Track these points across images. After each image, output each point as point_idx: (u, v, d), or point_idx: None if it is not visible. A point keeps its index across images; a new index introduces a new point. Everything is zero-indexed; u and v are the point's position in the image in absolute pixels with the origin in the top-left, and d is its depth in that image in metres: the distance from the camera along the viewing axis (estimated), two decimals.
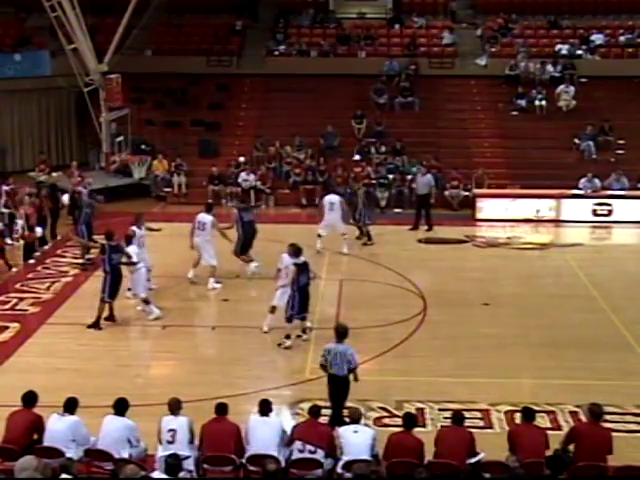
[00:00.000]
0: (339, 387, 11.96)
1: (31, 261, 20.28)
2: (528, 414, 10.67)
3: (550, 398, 13.13)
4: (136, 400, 11.13)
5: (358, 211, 21.75)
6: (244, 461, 10.25)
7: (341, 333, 12.16)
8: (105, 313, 16.20)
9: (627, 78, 30.26)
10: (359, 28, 33.11)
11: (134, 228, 17.35)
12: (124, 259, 16.11)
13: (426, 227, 23.39)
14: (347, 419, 11.09)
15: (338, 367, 11.89)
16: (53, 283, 18.75)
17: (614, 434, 10.63)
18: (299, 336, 15.26)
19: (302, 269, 14.88)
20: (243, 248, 18.64)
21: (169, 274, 18.68)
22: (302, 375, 14.06)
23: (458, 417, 10.64)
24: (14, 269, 19.72)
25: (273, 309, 15.56)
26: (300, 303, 14.88)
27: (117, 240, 16.41)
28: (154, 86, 30.67)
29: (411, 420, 10.63)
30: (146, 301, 16.44)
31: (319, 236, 20.97)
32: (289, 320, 14.97)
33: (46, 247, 21.31)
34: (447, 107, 30.38)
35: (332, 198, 21.14)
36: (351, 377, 12.00)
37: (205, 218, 18.24)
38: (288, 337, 15.00)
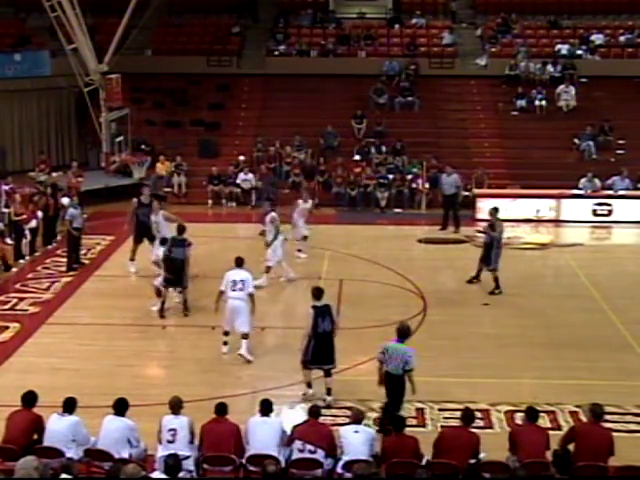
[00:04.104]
0: (393, 386, 11.87)
1: (21, 261, 20.28)
2: (531, 414, 10.66)
3: (550, 398, 13.13)
4: (136, 400, 11.13)
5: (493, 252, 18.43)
6: (244, 461, 10.25)
7: (402, 332, 12.04)
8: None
9: (627, 78, 30.28)
10: (359, 28, 33.12)
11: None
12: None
13: (453, 228, 23.35)
14: (349, 419, 11.08)
15: (394, 366, 11.78)
16: (53, 283, 18.75)
17: (614, 434, 10.62)
18: (309, 385, 13.23)
19: (321, 313, 12.87)
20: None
21: None
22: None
23: (468, 416, 10.62)
24: (14, 269, 19.73)
25: (226, 332, 14.82)
26: (315, 350, 12.83)
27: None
28: (154, 86, 30.67)
29: (399, 422, 10.59)
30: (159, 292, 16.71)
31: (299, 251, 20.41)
32: (304, 366, 13.06)
33: (49, 247, 21.34)
34: (447, 107, 30.41)
35: (275, 216, 18.80)
36: (409, 384, 11.83)
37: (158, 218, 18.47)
38: (309, 385, 13.20)
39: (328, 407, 12.80)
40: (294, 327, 15.56)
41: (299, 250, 20.63)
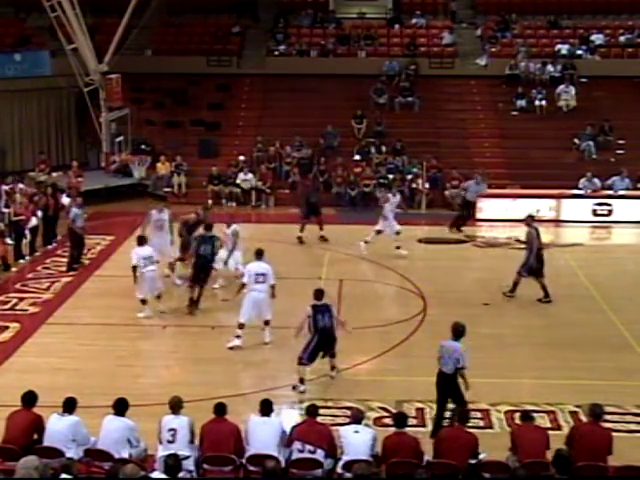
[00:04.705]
0: (445, 385, 11.98)
1: (21, 261, 20.27)
2: (525, 416, 10.82)
3: (550, 398, 13.13)
4: (136, 400, 11.13)
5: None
6: (244, 461, 10.24)
7: (455, 331, 12.16)
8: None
9: (627, 78, 30.29)
10: (359, 28, 33.12)
11: (153, 212, 18.33)
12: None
13: (455, 229, 23.33)
14: (348, 419, 11.09)
15: (446, 364, 11.93)
16: (53, 283, 18.74)
17: (614, 434, 10.63)
18: (301, 380, 13.57)
19: (320, 311, 13.54)
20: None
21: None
22: (302, 375, 14.03)
23: (463, 416, 10.64)
24: (13, 269, 19.72)
25: (241, 325, 15.18)
26: (315, 348, 13.44)
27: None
28: (154, 86, 30.68)
29: (402, 419, 10.63)
30: (143, 301, 16.53)
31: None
32: (299, 362, 13.48)
33: (50, 247, 21.35)
34: (447, 107, 30.41)
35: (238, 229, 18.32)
36: (461, 380, 11.94)
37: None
38: (302, 381, 13.52)
39: (331, 378, 13.74)
40: (294, 327, 15.60)
41: (398, 247, 20.69)
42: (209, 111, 30.42)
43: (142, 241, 16.75)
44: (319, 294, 13.86)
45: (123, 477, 8.73)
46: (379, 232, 20.74)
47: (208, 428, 10.31)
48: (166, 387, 12.77)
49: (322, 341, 13.48)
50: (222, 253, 17.63)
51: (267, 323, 15.27)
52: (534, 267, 17.66)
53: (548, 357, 14.90)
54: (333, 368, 13.91)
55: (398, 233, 20.74)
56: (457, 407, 11.70)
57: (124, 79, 28.13)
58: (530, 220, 18.14)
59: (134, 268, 16.29)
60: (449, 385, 11.95)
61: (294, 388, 13.47)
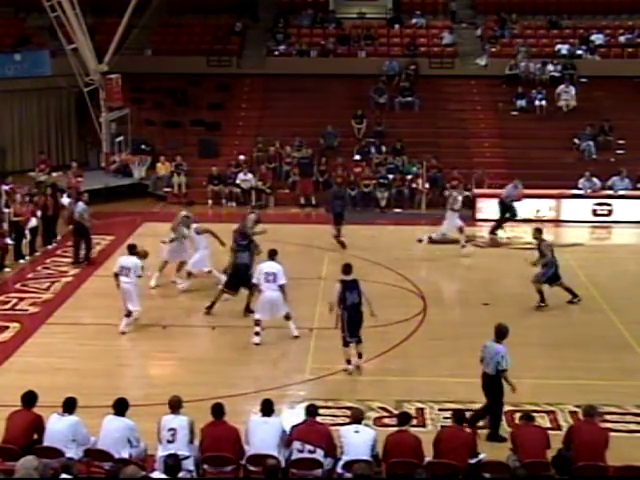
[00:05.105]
0: (487, 385, 12.02)
1: (21, 261, 20.25)
2: (525, 416, 10.87)
3: (550, 398, 13.14)
4: (136, 400, 11.13)
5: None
6: (244, 462, 10.23)
7: (498, 332, 12.17)
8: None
9: (627, 78, 30.28)
10: (359, 28, 33.12)
11: (184, 212, 18.50)
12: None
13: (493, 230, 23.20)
14: (349, 419, 11.09)
15: (487, 365, 11.97)
16: (53, 283, 18.75)
17: (614, 434, 10.65)
18: (348, 362, 14.03)
19: (349, 287, 13.86)
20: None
21: (168, 274, 18.69)
22: (302, 375, 14.06)
23: (460, 416, 10.67)
24: (7, 269, 19.69)
25: (258, 322, 15.27)
26: (350, 323, 13.79)
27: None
28: (154, 86, 30.67)
29: (405, 418, 10.65)
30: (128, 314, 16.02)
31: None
32: (346, 345, 13.92)
33: (49, 247, 21.36)
34: (447, 107, 30.40)
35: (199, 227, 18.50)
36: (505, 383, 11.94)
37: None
38: (349, 362, 13.99)
39: (357, 368, 13.93)
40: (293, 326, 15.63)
41: (420, 241, 21.20)
42: (209, 111, 30.41)
43: (132, 250, 16.14)
44: (347, 268, 14.03)
45: (123, 477, 8.74)
46: (461, 230, 21.29)
47: (207, 431, 10.28)
48: (166, 387, 12.77)
49: (353, 316, 13.73)
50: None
51: (288, 318, 15.32)
52: (551, 276, 17.51)
53: (548, 357, 14.90)
54: (360, 356, 14.02)
55: (443, 235, 21.32)
56: (487, 409, 11.82)
57: (124, 79, 28.14)
58: (539, 234, 17.86)
59: (115, 276, 15.86)
60: (491, 385, 11.96)
61: (345, 370, 13.85)
